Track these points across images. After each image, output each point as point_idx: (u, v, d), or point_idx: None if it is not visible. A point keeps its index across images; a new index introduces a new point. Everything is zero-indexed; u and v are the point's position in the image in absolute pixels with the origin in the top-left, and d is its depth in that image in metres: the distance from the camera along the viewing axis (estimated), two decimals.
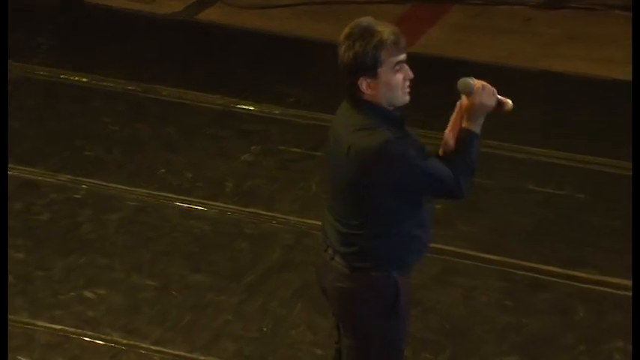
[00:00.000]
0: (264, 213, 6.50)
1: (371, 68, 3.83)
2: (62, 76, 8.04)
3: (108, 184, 6.69)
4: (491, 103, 3.97)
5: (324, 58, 8.61)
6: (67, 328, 5.50)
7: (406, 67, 3.91)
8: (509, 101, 4.05)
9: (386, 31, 3.85)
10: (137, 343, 5.43)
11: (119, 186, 6.69)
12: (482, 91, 3.94)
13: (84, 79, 7.98)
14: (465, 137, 4.00)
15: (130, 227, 6.33)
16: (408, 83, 3.93)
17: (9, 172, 6.33)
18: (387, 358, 4.24)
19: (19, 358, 5.29)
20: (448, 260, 6.16)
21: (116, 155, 7.03)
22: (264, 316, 5.64)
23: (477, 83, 3.94)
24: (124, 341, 5.45)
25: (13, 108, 7.34)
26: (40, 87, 7.95)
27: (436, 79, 7.13)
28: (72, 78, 8.02)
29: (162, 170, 6.88)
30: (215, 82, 8.03)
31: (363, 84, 3.86)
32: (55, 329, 5.49)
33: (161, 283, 5.88)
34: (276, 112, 7.65)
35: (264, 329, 5.56)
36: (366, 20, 3.89)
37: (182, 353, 5.37)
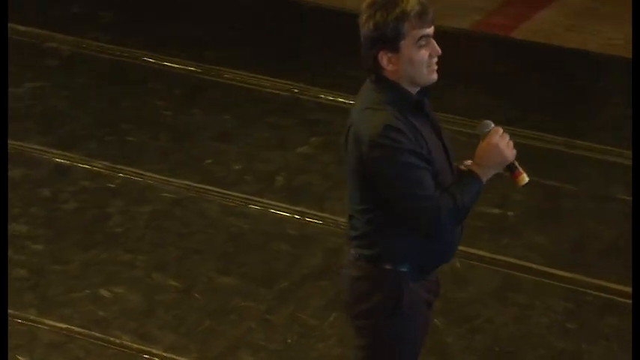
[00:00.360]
0: (312, 212, 6.05)
1: (392, 41, 3.57)
2: (118, 54, 7.67)
3: (145, 172, 6.26)
4: (507, 153, 3.68)
5: None
6: (73, 327, 5.14)
7: (433, 42, 3.62)
8: (526, 175, 3.73)
9: (411, 1, 3.55)
10: (146, 349, 5.05)
11: (157, 176, 6.28)
12: (500, 136, 3.67)
13: (143, 58, 7.60)
14: (467, 178, 3.70)
15: (161, 222, 5.93)
16: (435, 60, 3.64)
17: (43, 156, 6.13)
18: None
19: (19, 357, 4.96)
20: (508, 274, 5.64)
21: (162, 142, 6.63)
22: (292, 326, 5.20)
23: (496, 128, 3.69)
24: (134, 345, 5.07)
25: (60, 87, 7.09)
26: (93, 65, 7.59)
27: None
28: (128, 56, 7.64)
29: (209, 161, 6.45)
30: (285, 66, 7.56)
31: (384, 58, 3.60)
32: (60, 328, 5.15)
33: (184, 284, 5.46)
34: (346, 101, 7.02)
35: (289, 341, 5.12)
36: None
37: None
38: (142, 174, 6.26)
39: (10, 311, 5.00)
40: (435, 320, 5.13)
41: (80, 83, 7.29)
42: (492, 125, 3.69)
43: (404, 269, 3.74)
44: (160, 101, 7.05)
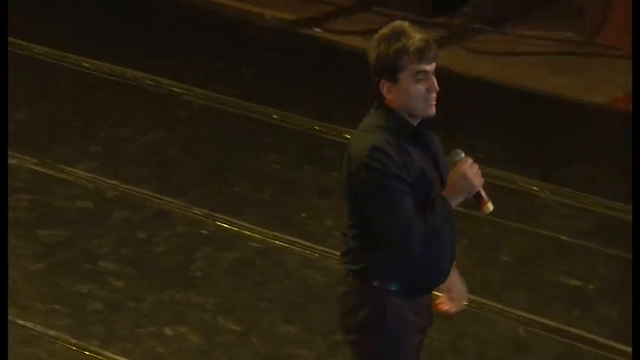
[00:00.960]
0: None
1: (391, 72, 3.84)
2: (243, 109, 8.01)
3: (240, 222, 6.53)
4: (474, 182, 3.88)
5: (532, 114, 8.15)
6: None
7: (432, 78, 3.86)
8: (491, 204, 3.93)
9: (415, 37, 3.83)
10: None
11: (250, 225, 6.54)
12: (469, 165, 3.87)
13: (269, 115, 7.93)
14: (437, 203, 3.88)
15: (241, 269, 6.20)
16: (433, 95, 3.87)
17: (148, 201, 6.60)
18: None
19: None
20: (572, 345, 5.61)
21: (265, 195, 6.91)
22: None
23: (466, 157, 3.89)
24: None
25: (182, 137, 7.48)
26: (218, 118, 7.98)
27: None
28: (253, 112, 7.96)
29: (304, 215, 6.65)
30: None
31: (384, 87, 3.87)
32: None
33: (245, 328, 5.69)
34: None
35: None
36: (402, 24, 3.89)
37: None
38: (235, 223, 6.54)
39: (73, 340, 5.43)
40: None
41: (201, 135, 7.66)
42: (463, 155, 3.85)
43: (390, 287, 3.91)
44: (273, 155, 7.33)
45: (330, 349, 5.49)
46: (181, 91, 8.21)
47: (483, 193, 3.91)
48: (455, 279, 4.19)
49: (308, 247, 6.33)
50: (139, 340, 5.56)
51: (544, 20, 9.57)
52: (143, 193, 6.82)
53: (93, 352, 5.48)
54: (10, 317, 5.18)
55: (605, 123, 8.26)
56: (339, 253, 6.00)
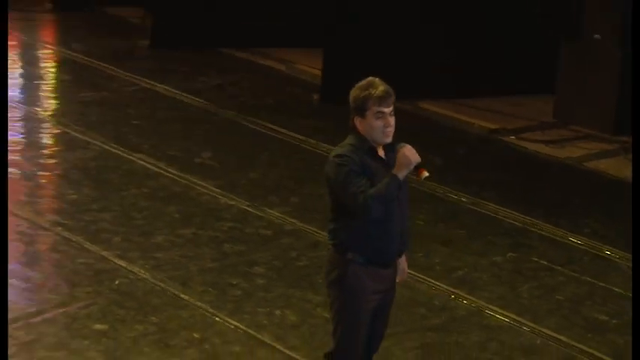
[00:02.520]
0: None
1: (360, 110, 5.52)
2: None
3: None
4: (412, 157, 5.45)
5: None
6: None
7: (388, 117, 5.51)
8: (426, 172, 5.52)
9: (379, 88, 5.50)
10: None
11: None
12: (407, 148, 5.48)
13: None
14: (389, 177, 5.47)
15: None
16: (388, 129, 5.52)
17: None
18: (342, 327, 5.76)
19: None
20: None
21: None
22: None
23: (405, 144, 5.52)
24: None
25: None
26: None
27: None
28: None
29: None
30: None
31: (357, 121, 5.57)
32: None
33: None
34: (573, 240, 8.96)
35: None
36: (373, 79, 5.56)
37: None
38: None
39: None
40: None
41: None
42: (403, 143, 5.47)
43: (355, 258, 5.60)
44: None
45: None
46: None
47: (420, 166, 5.44)
48: (402, 261, 5.87)
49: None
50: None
51: None
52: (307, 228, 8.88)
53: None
54: None
55: None
56: None
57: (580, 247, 8.85)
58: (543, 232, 9.16)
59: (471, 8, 12.67)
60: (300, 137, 11.30)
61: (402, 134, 5.67)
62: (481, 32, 12.53)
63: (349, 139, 5.64)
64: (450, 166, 10.56)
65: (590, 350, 7.23)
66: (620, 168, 10.58)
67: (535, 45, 12.86)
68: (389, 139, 5.58)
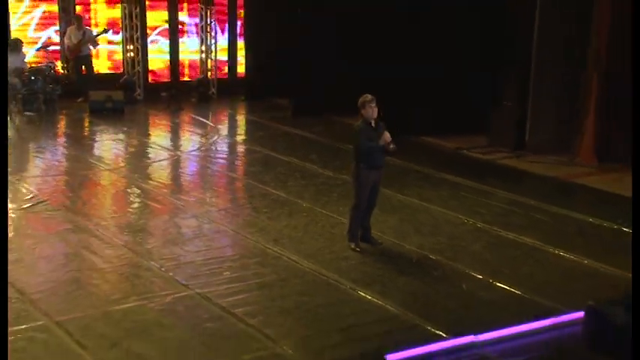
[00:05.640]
0: None
1: (362, 107, 12.90)
2: None
3: None
4: (387, 138, 12.99)
5: None
6: None
7: (374, 108, 12.96)
8: (392, 145, 13.13)
9: (368, 98, 12.89)
10: None
11: None
12: (386, 134, 13.01)
13: None
14: (376, 142, 13.05)
15: None
16: (374, 114, 12.95)
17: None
18: (357, 193, 13.35)
19: None
20: None
21: None
22: None
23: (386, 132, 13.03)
24: None
25: None
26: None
27: None
28: None
29: None
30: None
31: (362, 112, 12.91)
32: None
33: None
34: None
35: None
36: (367, 95, 12.99)
37: None
38: None
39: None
40: None
41: None
42: (385, 131, 12.87)
43: (362, 165, 13.01)
44: None
45: None
46: None
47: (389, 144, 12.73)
48: (386, 136, 12.95)
49: None
50: None
51: None
52: None
53: None
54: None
55: None
56: None
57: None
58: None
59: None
60: None
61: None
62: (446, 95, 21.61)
63: (360, 121, 12.73)
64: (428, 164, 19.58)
65: None
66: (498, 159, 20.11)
67: (478, 107, 21.51)
68: (374, 117, 12.65)
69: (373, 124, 13.03)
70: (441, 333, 10.74)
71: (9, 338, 9.60)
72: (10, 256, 12.32)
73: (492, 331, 10.61)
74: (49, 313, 10.97)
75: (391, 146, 13.03)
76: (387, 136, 12.99)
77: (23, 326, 10.55)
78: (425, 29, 21.33)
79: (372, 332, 10.69)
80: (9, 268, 11.39)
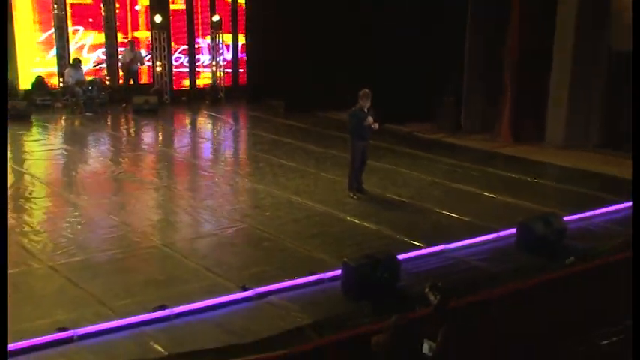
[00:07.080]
0: None
1: (360, 98, 14.98)
2: None
3: None
4: (371, 123, 15.19)
5: None
6: None
7: (368, 99, 15.08)
8: (376, 125, 15.48)
9: (367, 92, 14.99)
10: None
11: None
12: (371, 120, 15.24)
13: None
14: (366, 124, 15.38)
15: None
16: (368, 101, 15.16)
17: None
18: (352, 157, 15.61)
19: None
20: None
21: None
22: None
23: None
24: None
25: None
26: None
27: None
28: None
29: None
30: None
31: (360, 100, 14.97)
32: None
33: None
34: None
35: None
36: (365, 89, 15.13)
37: None
38: None
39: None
40: None
41: None
42: (371, 117, 15.96)
43: (355, 137, 15.21)
44: None
45: None
46: None
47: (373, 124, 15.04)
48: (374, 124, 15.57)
49: None
50: None
51: None
52: None
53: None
54: None
55: None
56: None
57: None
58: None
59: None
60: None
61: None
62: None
63: (357, 107, 14.74)
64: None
65: None
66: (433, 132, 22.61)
67: (426, 101, 23.25)
68: (367, 106, 14.81)
69: (365, 110, 14.98)
70: (420, 244, 12.91)
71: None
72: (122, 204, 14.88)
73: (454, 242, 12.86)
74: (161, 238, 13.20)
75: (373, 125, 14.99)
76: (370, 119, 14.92)
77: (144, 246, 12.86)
78: (396, 41, 22.93)
79: (375, 245, 12.69)
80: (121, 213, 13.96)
